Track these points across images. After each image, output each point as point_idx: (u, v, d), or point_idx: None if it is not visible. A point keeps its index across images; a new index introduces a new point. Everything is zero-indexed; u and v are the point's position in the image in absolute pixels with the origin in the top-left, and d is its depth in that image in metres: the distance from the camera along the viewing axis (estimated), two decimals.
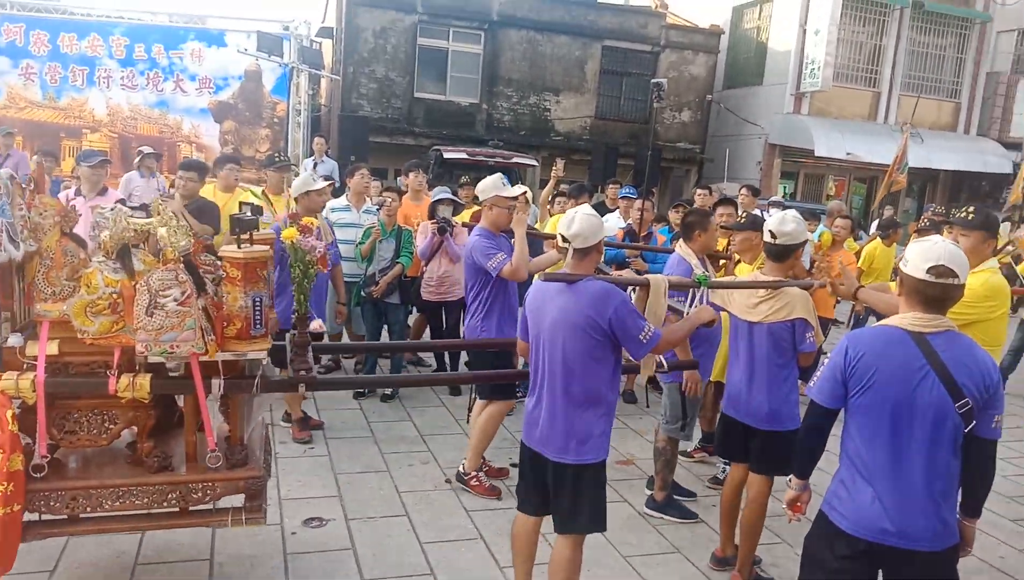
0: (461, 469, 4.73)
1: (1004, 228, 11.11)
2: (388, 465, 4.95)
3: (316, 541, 3.93)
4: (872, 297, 3.56)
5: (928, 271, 2.45)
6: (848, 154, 16.90)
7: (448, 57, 17.56)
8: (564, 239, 3.10)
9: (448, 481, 4.77)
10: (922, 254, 2.49)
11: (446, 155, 13.34)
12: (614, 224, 6.98)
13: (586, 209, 3.20)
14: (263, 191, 6.43)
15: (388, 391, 6.26)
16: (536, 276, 3.43)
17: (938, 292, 2.46)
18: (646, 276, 3.61)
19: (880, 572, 2.58)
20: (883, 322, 2.61)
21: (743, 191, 8.19)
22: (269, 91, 12.69)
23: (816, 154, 16.83)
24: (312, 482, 4.61)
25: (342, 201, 6.69)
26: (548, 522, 3.26)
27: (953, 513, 2.52)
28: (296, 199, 5.08)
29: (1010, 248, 6.79)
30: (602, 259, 3.41)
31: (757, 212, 7.37)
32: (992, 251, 3.72)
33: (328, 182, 5.55)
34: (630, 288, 3.87)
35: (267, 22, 12.41)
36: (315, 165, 10.91)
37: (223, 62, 12.32)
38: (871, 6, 17.80)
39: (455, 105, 17.67)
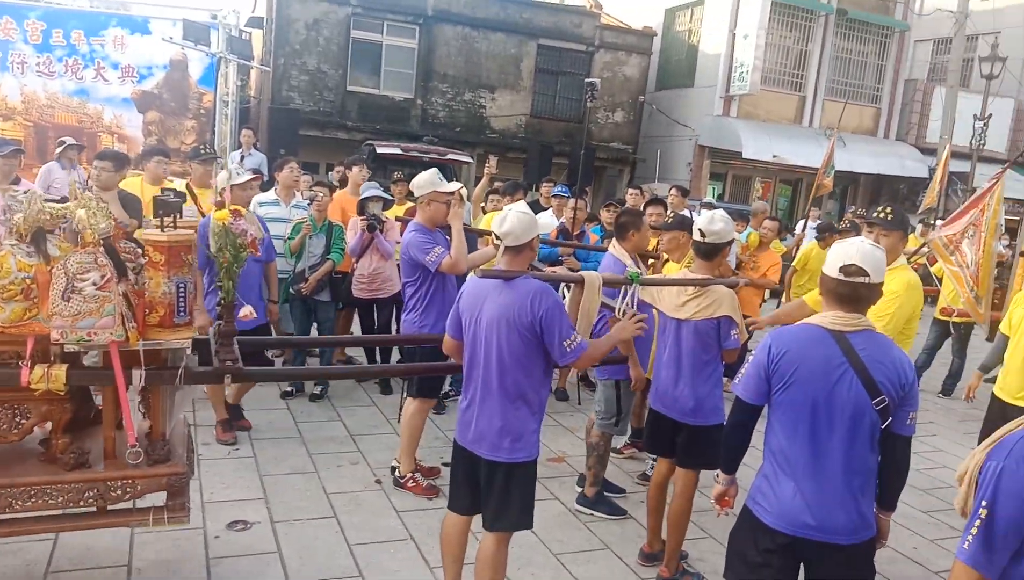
0: (396, 473, 4.68)
1: (918, 230, 11.59)
2: (316, 466, 4.85)
3: (240, 544, 3.82)
4: None
5: (840, 270, 2.53)
6: (774, 157, 17.35)
7: (382, 51, 17.34)
8: (498, 237, 3.12)
9: (378, 481, 4.70)
10: (838, 255, 2.57)
11: (380, 150, 13.17)
12: (547, 222, 7.00)
13: (520, 207, 3.23)
14: (187, 184, 6.22)
15: (317, 391, 6.14)
16: (471, 272, 3.42)
17: (849, 291, 2.53)
18: (580, 273, 3.66)
19: (802, 564, 2.65)
20: (805, 321, 2.67)
21: (673, 192, 8.34)
22: (196, 81, 12.30)
23: (744, 156, 17.24)
24: (236, 484, 4.49)
25: (271, 195, 6.54)
26: (477, 521, 3.25)
27: (871, 507, 2.60)
28: (220, 193, 4.94)
29: (925, 249, 7.09)
30: (536, 257, 3.42)
31: (686, 212, 7.53)
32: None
33: (255, 176, 5.40)
34: (562, 285, 3.92)
35: (194, 10, 12.03)
36: (242, 158, 10.64)
37: (147, 50, 11.88)
38: (798, 12, 18.32)
39: (389, 100, 17.48)
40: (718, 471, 2.91)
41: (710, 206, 9.66)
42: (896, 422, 2.54)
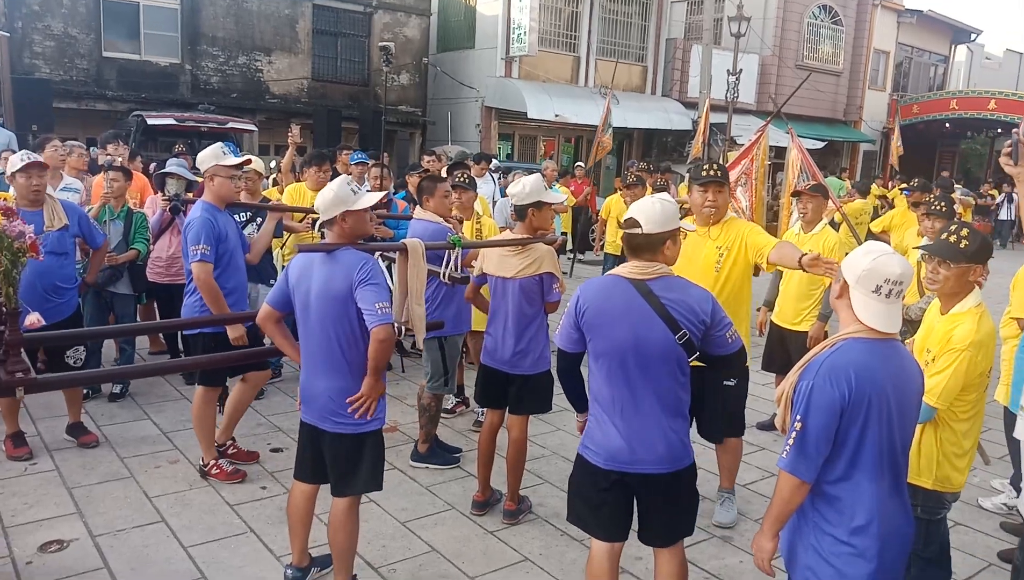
0: (201, 462, 4.48)
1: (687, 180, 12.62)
2: (131, 470, 4.49)
3: (59, 567, 3.47)
4: None
5: (622, 225, 2.76)
6: (556, 116, 18.02)
7: (140, 12, 15.83)
8: None
9: (205, 477, 4.45)
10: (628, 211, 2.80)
11: (150, 121, 12.14)
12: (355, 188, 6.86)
13: (333, 183, 3.22)
14: None
15: (116, 390, 5.64)
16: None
17: (628, 240, 2.76)
18: (403, 241, 3.67)
19: (635, 497, 2.84)
20: (610, 272, 2.86)
21: (483, 163, 8.76)
22: None
23: (528, 116, 17.75)
24: (42, 501, 4.06)
25: None
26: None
27: (687, 435, 2.82)
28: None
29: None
30: (354, 230, 3.34)
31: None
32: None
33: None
34: (379, 255, 3.92)
35: None
36: None
37: None
38: None
39: (153, 65, 16.05)
40: (576, 414, 3.07)
41: (500, 172, 10.12)
42: (715, 345, 2.74)
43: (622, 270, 2.77)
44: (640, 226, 2.70)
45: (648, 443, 2.72)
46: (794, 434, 2.26)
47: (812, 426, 2.23)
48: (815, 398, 2.23)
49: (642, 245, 2.72)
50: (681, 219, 2.85)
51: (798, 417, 2.26)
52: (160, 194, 5.60)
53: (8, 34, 13.84)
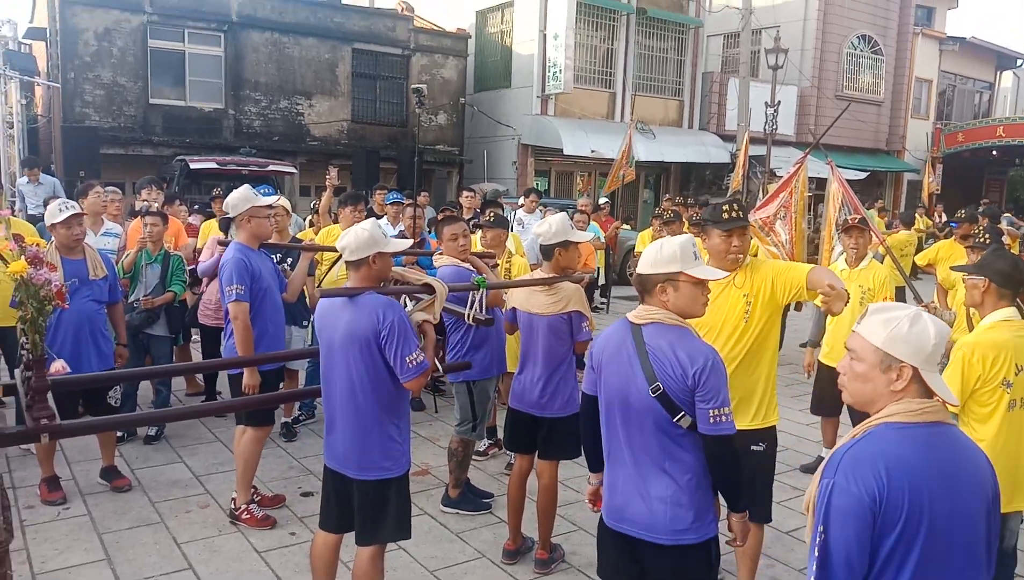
0: (232, 505, 4.44)
1: None
2: (162, 515, 4.48)
3: None
4: None
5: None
6: (592, 152, 18.01)
7: (185, 60, 16.31)
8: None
9: (234, 523, 4.41)
10: None
11: (193, 165, 12.41)
12: (385, 231, 6.90)
13: (366, 223, 3.18)
14: None
15: (152, 432, 5.67)
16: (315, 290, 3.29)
17: (633, 282, 2.65)
18: (428, 281, 3.61)
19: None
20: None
21: (532, 196, 8.94)
22: None
23: (564, 153, 17.79)
24: (72, 548, 4.05)
25: None
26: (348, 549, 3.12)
27: (694, 506, 2.46)
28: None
29: None
30: (382, 273, 3.30)
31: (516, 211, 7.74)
32: None
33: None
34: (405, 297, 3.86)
35: None
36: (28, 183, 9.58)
37: None
38: (602, 12, 19.11)
39: (197, 111, 16.49)
40: (590, 474, 2.93)
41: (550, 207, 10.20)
42: (698, 419, 2.42)
43: (631, 313, 2.63)
44: (636, 268, 2.59)
45: (633, 504, 2.50)
46: (816, 549, 1.79)
47: (835, 537, 1.77)
48: (836, 500, 1.78)
49: (644, 288, 2.57)
50: None
51: (820, 526, 1.80)
52: (220, 243, 5.67)
53: (58, 84, 14.37)
